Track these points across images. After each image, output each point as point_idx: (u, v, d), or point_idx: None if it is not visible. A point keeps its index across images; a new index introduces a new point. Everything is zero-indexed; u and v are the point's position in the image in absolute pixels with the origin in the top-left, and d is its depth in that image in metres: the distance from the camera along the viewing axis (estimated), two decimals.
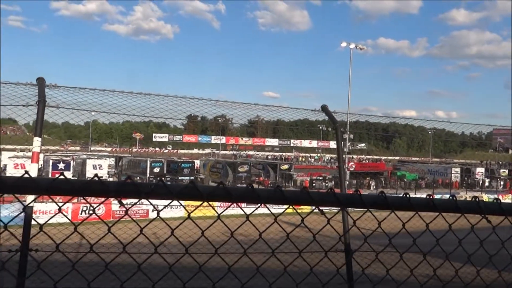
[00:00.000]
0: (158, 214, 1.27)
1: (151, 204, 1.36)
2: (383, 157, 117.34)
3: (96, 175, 1.15)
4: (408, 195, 1.50)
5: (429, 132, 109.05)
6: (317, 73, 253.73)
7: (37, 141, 5.78)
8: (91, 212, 22.43)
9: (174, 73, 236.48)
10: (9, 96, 6.09)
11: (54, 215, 1.43)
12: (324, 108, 7.62)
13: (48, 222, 1.49)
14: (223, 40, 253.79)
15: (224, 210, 1.39)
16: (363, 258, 5.85)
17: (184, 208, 1.38)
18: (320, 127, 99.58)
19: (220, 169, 50.58)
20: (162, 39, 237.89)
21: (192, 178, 43.43)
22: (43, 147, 6.08)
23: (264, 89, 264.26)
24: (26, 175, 1.09)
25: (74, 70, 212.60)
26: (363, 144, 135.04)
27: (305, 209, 1.69)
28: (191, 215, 1.36)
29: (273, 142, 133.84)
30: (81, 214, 23.48)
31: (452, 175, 56.17)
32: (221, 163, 52.75)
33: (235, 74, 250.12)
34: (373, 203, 1.45)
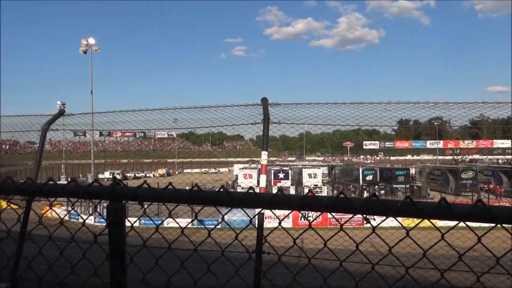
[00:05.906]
0: (407, 233, 1.20)
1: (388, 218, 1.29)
2: None
3: (341, 192, 1.16)
4: None
5: None
6: None
7: (264, 154, 6.41)
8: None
9: (382, 77, 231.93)
10: (239, 116, 7.02)
11: (309, 227, 1.51)
12: None
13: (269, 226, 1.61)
14: (434, 36, 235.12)
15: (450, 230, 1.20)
16: None
17: (403, 226, 1.25)
18: None
19: (439, 176, 46.41)
20: (367, 46, 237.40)
21: (407, 186, 41.29)
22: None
23: (488, 84, 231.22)
24: (251, 191, 1.18)
25: (289, 87, 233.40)
26: None
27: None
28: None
29: (504, 143, 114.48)
30: (300, 220, 25.46)
31: None
32: (440, 169, 48.33)
33: (450, 70, 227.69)
34: None
